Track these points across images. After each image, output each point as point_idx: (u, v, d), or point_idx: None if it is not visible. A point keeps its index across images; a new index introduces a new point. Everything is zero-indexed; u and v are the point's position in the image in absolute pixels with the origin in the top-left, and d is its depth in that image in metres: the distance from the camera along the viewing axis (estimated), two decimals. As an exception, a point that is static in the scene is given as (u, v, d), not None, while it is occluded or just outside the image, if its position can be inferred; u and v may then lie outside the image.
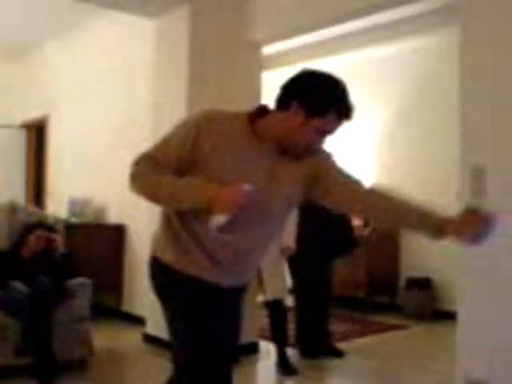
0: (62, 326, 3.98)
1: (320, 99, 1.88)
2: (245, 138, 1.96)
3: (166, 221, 2.05)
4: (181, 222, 1.99)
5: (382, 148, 6.98)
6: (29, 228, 4.24)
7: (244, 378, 4.19)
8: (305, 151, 1.99)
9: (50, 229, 4.36)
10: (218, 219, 1.85)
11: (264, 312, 4.96)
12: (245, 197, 1.82)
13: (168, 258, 2.03)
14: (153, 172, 1.93)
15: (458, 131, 2.98)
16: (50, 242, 4.20)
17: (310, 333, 4.72)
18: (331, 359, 4.63)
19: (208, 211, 1.85)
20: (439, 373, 4.22)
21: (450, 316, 4.85)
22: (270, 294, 4.27)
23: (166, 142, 1.99)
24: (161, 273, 2.07)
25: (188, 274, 2.00)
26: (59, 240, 4.32)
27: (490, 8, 2.86)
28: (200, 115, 1.99)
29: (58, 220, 4.91)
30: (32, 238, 4.13)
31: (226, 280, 2.06)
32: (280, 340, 4.36)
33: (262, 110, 2.01)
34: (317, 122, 1.89)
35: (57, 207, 6.94)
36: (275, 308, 4.31)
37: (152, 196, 1.96)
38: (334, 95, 1.90)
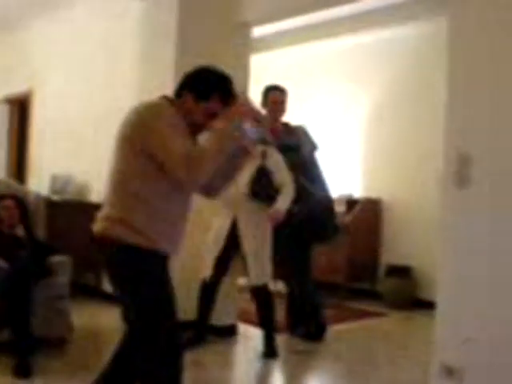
0: (42, 303, 3.95)
1: (203, 87, 2.32)
2: (179, 117, 2.31)
3: (139, 205, 2.24)
4: (156, 202, 2.25)
5: (369, 134, 6.98)
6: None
7: (221, 360, 4.21)
8: (198, 132, 2.37)
9: (19, 201, 4.29)
10: (251, 130, 2.27)
11: (245, 295, 4.98)
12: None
13: (140, 239, 2.22)
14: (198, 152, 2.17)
15: (443, 121, 2.99)
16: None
17: (312, 315, 4.76)
18: (309, 343, 4.66)
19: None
20: (415, 360, 4.27)
21: (428, 305, 4.91)
22: (256, 278, 4.24)
23: (175, 139, 2.18)
24: (134, 256, 2.24)
25: (159, 249, 2.27)
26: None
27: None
28: (154, 117, 2.24)
29: (38, 197, 4.86)
30: (1, 211, 4.10)
31: (176, 250, 2.39)
32: (267, 324, 4.35)
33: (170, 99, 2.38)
34: (203, 105, 2.30)
35: (38, 184, 6.87)
36: (261, 292, 4.30)
37: (214, 161, 2.18)
38: (214, 84, 2.33)
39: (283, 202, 4.20)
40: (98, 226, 2.32)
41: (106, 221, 2.29)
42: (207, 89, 2.32)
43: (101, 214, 2.34)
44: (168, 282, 2.31)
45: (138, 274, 2.25)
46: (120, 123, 2.34)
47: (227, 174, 2.45)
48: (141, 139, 2.20)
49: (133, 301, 2.29)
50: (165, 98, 2.38)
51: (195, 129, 2.35)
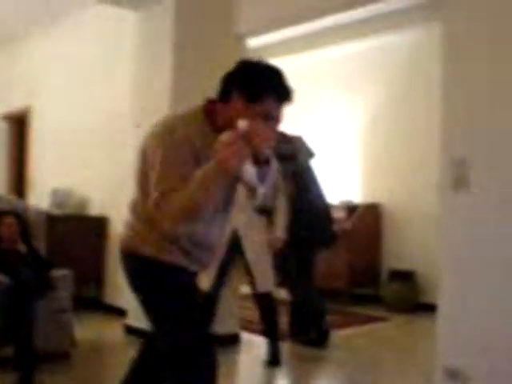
0: (44, 318, 3.95)
1: (256, 85, 1.97)
2: (206, 135, 2.00)
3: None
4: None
5: (365, 142, 7.00)
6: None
7: (225, 370, 4.20)
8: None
9: (19, 217, 4.30)
10: (246, 169, 1.87)
11: (247, 304, 4.99)
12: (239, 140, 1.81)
13: (163, 255, 2.11)
14: (173, 198, 1.89)
15: (439, 125, 3.01)
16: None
17: (315, 322, 4.77)
18: (313, 350, 4.66)
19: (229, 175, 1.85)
20: (418, 364, 4.27)
21: (431, 308, 4.90)
22: (261, 286, 4.25)
23: (168, 173, 1.93)
24: (154, 268, 2.14)
25: (179, 264, 2.14)
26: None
27: (470, 2, 2.89)
28: (164, 133, 2.00)
29: (39, 211, 4.87)
30: (2, 228, 4.11)
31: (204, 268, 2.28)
32: (272, 332, 4.35)
33: (211, 104, 2.08)
34: (258, 108, 1.95)
35: (39, 199, 6.88)
36: (265, 300, 4.30)
37: (193, 208, 1.88)
38: (268, 81, 1.98)
39: (280, 229, 4.27)
40: (122, 238, 2.25)
41: (131, 233, 2.20)
42: (261, 87, 1.97)
43: (126, 226, 2.24)
44: (194, 298, 2.22)
45: (161, 288, 2.16)
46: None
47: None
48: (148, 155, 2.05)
49: (156, 315, 2.20)
50: (206, 103, 2.09)
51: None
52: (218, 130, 1.98)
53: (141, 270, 2.18)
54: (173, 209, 1.88)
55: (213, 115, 2.06)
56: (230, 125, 1.92)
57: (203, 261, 2.23)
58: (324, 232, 4.75)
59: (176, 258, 2.14)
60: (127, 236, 2.22)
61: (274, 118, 2.01)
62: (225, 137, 1.81)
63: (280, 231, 4.29)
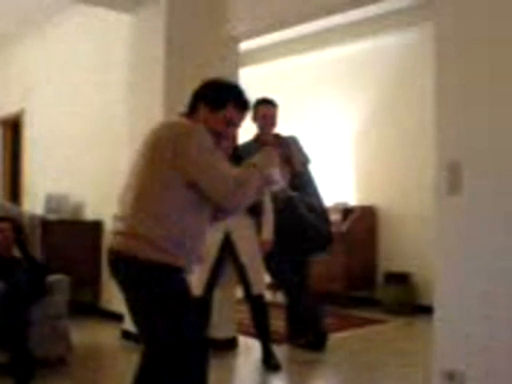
0: (40, 323, 3.95)
1: (218, 95, 2.34)
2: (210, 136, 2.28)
3: (159, 221, 2.17)
4: (176, 219, 2.19)
5: (360, 144, 7.01)
6: None
7: (224, 374, 4.20)
8: (218, 142, 2.33)
9: (14, 223, 4.28)
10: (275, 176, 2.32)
11: (242, 307, 4.98)
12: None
13: (161, 255, 2.16)
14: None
15: (433, 128, 3.02)
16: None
17: (312, 325, 4.77)
18: (310, 353, 4.66)
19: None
20: (416, 366, 4.26)
21: (427, 310, 4.91)
22: (256, 288, 4.27)
23: (219, 165, 2.20)
24: (160, 274, 2.18)
25: (181, 266, 2.24)
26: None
27: (462, 3, 2.90)
28: (199, 131, 2.23)
29: (34, 217, 4.86)
30: None
31: (192, 268, 2.34)
32: (266, 335, 4.36)
33: (185, 116, 2.39)
34: (221, 115, 2.32)
35: (33, 204, 6.87)
36: (258, 302, 4.31)
37: (253, 192, 2.23)
38: (228, 92, 2.36)
39: (268, 232, 4.32)
40: (114, 241, 2.24)
41: (124, 236, 2.21)
42: (222, 98, 2.33)
43: (118, 229, 2.25)
44: (190, 300, 2.28)
45: (158, 293, 2.18)
46: (145, 139, 2.30)
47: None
48: (173, 160, 2.15)
49: (155, 322, 2.20)
50: (182, 116, 2.40)
51: (217, 138, 2.33)
52: None
53: (144, 275, 2.17)
54: (249, 185, 2.19)
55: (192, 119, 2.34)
56: None
57: (195, 254, 2.29)
58: (322, 235, 4.74)
59: (174, 258, 2.18)
60: (127, 237, 2.20)
61: (235, 124, 2.37)
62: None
63: (268, 233, 4.32)
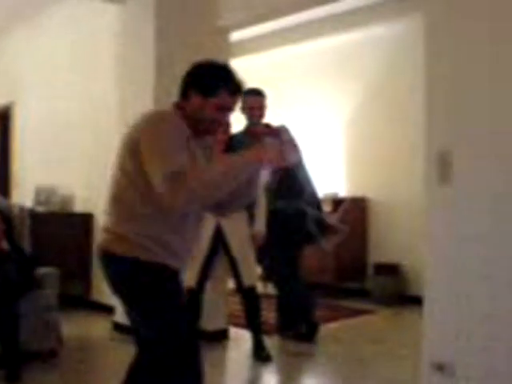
0: (30, 316, 3.93)
1: (209, 81, 2.19)
2: (186, 128, 2.17)
3: (139, 217, 2.14)
4: (156, 216, 2.12)
5: (350, 135, 7.01)
6: None
7: (215, 365, 4.21)
8: (214, 129, 2.26)
9: (3, 215, 4.25)
10: (264, 174, 2.22)
11: (234, 299, 4.98)
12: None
13: (148, 254, 2.14)
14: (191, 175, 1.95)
15: (423, 118, 3.02)
16: None
17: (303, 316, 4.78)
18: (301, 344, 4.67)
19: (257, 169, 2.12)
20: (406, 357, 4.29)
21: (417, 301, 4.93)
22: (248, 280, 4.27)
23: (169, 154, 2.01)
24: (144, 271, 2.15)
25: (168, 265, 2.18)
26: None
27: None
28: (164, 119, 2.14)
29: (23, 209, 4.83)
30: None
31: (183, 264, 2.29)
32: (257, 327, 4.37)
33: (177, 105, 2.25)
34: (214, 101, 2.16)
35: (22, 197, 6.83)
36: (251, 295, 4.31)
37: (212, 185, 1.97)
38: (220, 76, 2.20)
39: (260, 225, 4.33)
40: (100, 238, 2.24)
41: (107, 233, 2.21)
42: (213, 84, 2.17)
43: (104, 225, 2.26)
44: (180, 297, 2.24)
45: (143, 288, 2.16)
46: (126, 131, 2.24)
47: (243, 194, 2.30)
48: (137, 145, 2.08)
49: (143, 317, 2.21)
50: (174, 105, 2.26)
51: (202, 130, 2.23)
52: (188, 126, 2.18)
53: (130, 273, 2.17)
54: (193, 183, 1.92)
55: (184, 113, 2.21)
56: (194, 120, 2.18)
57: (183, 252, 2.24)
58: (316, 227, 4.74)
59: (159, 257, 2.15)
60: (109, 234, 2.21)
61: (229, 109, 2.22)
62: (270, 141, 2.05)
63: (260, 225, 4.32)
